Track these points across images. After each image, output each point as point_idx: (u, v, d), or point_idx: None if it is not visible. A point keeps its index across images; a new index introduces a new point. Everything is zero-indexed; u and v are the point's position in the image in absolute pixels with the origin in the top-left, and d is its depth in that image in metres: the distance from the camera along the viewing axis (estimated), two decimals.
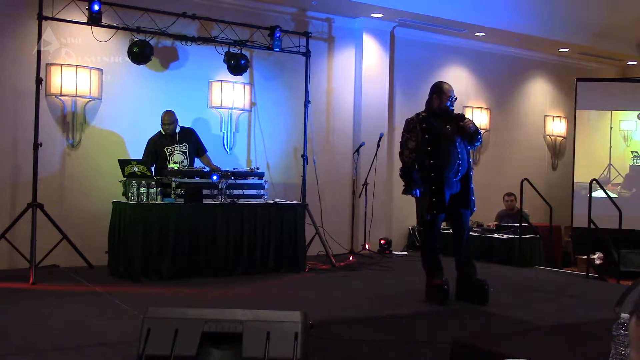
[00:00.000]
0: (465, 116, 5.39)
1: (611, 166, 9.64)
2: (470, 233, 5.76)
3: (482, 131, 5.40)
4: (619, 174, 9.56)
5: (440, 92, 5.27)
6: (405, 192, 5.31)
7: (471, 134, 5.19)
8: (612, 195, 7.89)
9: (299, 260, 6.68)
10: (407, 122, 5.36)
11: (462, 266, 5.30)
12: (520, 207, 8.28)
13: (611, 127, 9.68)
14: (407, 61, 9.06)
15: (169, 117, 6.70)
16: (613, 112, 9.72)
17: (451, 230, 5.48)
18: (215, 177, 6.33)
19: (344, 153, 8.51)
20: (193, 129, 7.04)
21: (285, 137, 8.06)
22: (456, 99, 5.34)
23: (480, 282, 5.22)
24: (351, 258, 7.62)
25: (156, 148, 6.70)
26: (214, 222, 6.19)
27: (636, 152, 9.74)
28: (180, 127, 6.82)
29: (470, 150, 5.41)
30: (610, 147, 9.67)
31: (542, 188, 8.92)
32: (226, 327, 2.75)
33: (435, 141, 5.14)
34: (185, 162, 6.70)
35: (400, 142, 5.38)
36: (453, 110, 5.33)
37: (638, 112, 9.71)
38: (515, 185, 8.45)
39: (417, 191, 5.16)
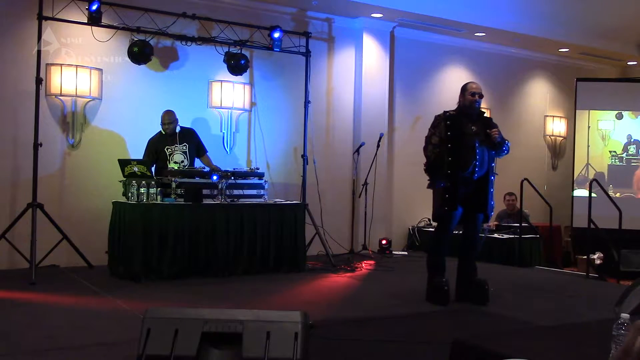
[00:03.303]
0: (496, 125, 5.33)
1: (589, 165, 9.67)
2: None
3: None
4: (597, 173, 9.57)
5: (464, 90, 5.31)
6: (430, 186, 5.31)
7: (495, 145, 5.20)
8: (586, 195, 7.88)
9: (299, 260, 6.68)
10: (435, 118, 5.36)
11: (464, 267, 5.31)
12: (520, 207, 8.28)
13: (589, 127, 9.70)
14: (407, 61, 9.06)
15: (168, 117, 6.70)
16: (591, 111, 9.74)
17: (462, 232, 5.47)
18: (215, 177, 6.33)
19: (344, 153, 8.51)
20: (193, 129, 7.05)
21: (285, 137, 8.06)
22: (481, 96, 5.29)
23: (480, 282, 5.22)
24: (349, 258, 7.62)
25: (156, 148, 6.70)
26: (214, 222, 6.19)
27: (614, 151, 9.77)
28: (181, 127, 6.82)
29: (495, 156, 5.37)
30: (588, 146, 9.69)
31: (542, 188, 8.92)
32: (226, 327, 2.74)
33: (456, 139, 5.15)
34: (186, 162, 6.71)
35: (426, 137, 5.39)
36: (482, 112, 5.34)
37: (616, 112, 9.73)
38: (515, 185, 8.45)
39: (443, 184, 5.14)
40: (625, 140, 9.75)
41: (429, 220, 8.53)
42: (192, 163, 6.79)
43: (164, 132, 6.72)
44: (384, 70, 8.67)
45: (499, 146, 5.23)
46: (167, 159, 6.65)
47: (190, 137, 6.87)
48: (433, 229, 6.04)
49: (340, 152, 8.49)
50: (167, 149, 6.70)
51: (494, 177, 5.35)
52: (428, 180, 5.32)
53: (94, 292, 5.40)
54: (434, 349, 3.74)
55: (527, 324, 4.55)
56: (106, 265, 6.28)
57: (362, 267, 7.15)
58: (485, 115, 5.43)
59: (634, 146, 9.71)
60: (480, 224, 5.35)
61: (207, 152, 7.02)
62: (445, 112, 5.32)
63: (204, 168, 6.64)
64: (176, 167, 6.43)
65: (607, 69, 11.06)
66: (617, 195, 9.28)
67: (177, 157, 6.70)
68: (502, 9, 8.79)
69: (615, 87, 10.09)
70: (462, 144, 5.13)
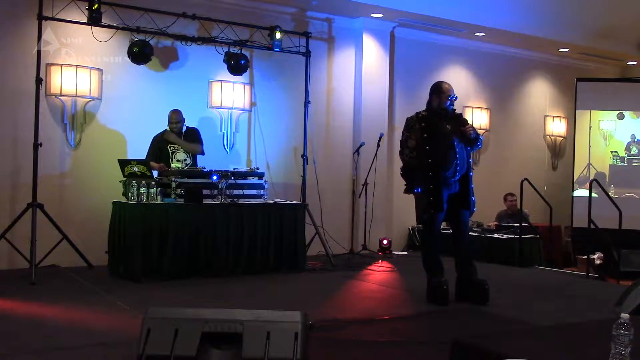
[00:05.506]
0: (468, 121, 5.37)
1: (590, 165, 9.66)
2: (470, 233, 5.77)
3: (482, 132, 5.42)
4: (597, 172, 9.56)
5: (439, 91, 5.28)
6: (406, 191, 5.32)
7: (470, 141, 5.21)
8: (587, 195, 7.87)
9: (299, 260, 6.68)
10: (407, 120, 5.38)
11: (462, 266, 5.30)
12: (520, 207, 8.28)
13: (590, 127, 9.69)
14: (407, 61, 9.06)
15: (176, 116, 6.71)
16: (592, 111, 9.73)
17: (451, 231, 5.49)
18: (215, 177, 6.33)
19: (344, 153, 8.51)
20: (197, 129, 7.02)
21: (285, 137, 8.06)
22: (456, 98, 5.34)
23: (480, 282, 5.22)
24: (349, 258, 7.62)
25: (160, 146, 6.71)
26: (214, 222, 6.19)
27: (616, 151, 9.76)
28: (187, 127, 6.83)
29: (470, 152, 5.42)
30: (590, 146, 9.69)
31: (542, 188, 8.91)
32: (226, 327, 2.74)
33: (433, 140, 5.15)
34: (189, 160, 6.72)
35: (401, 140, 5.40)
36: (454, 109, 5.34)
37: (618, 112, 9.73)
38: (515, 185, 8.45)
39: (419, 189, 5.17)
40: (628, 140, 9.74)
41: None
42: (194, 162, 6.80)
43: (170, 131, 6.72)
44: (383, 70, 8.67)
45: (474, 142, 5.24)
46: (169, 157, 6.66)
47: (193, 136, 6.86)
48: None
49: (340, 152, 8.49)
50: (170, 147, 6.70)
51: (472, 173, 5.35)
52: (404, 185, 5.31)
53: (94, 292, 5.40)
54: (434, 349, 3.74)
55: (527, 324, 4.55)
56: (106, 265, 6.28)
57: (362, 267, 7.15)
58: (455, 111, 5.40)
59: (636, 146, 9.71)
60: (467, 220, 5.35)
61: (203, 154, 6.95)
62: (417, 113, 5.32)
63: (204, 168, 6.64)
64: (179, 166, 6.46)
65: (607, 69, 11.06)
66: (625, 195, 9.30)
67: (180, 156, 6.71)
68: (502, 9, 8.79)
69: (616, 87, 10.09)
70: (440, 144, 5.13)
